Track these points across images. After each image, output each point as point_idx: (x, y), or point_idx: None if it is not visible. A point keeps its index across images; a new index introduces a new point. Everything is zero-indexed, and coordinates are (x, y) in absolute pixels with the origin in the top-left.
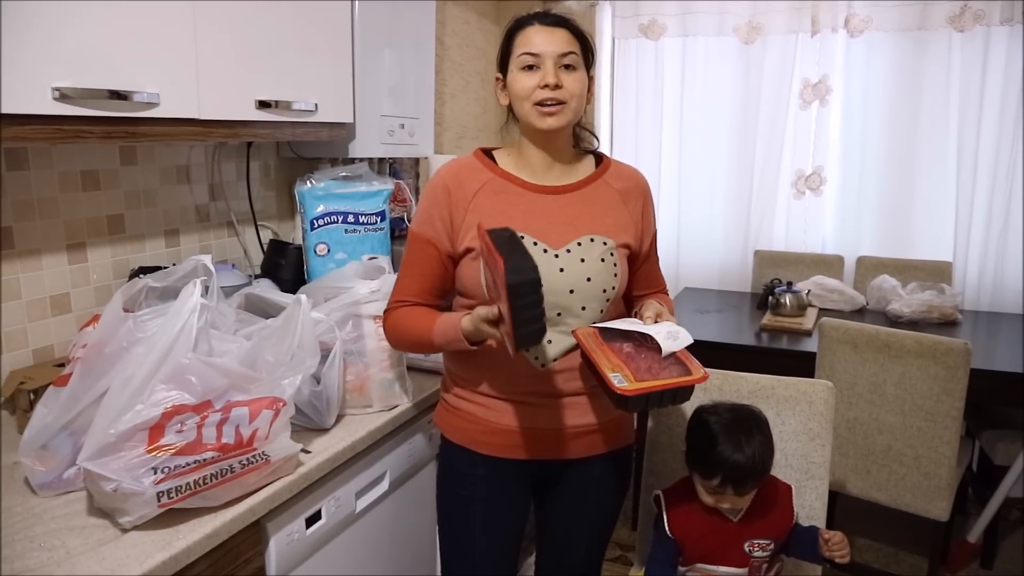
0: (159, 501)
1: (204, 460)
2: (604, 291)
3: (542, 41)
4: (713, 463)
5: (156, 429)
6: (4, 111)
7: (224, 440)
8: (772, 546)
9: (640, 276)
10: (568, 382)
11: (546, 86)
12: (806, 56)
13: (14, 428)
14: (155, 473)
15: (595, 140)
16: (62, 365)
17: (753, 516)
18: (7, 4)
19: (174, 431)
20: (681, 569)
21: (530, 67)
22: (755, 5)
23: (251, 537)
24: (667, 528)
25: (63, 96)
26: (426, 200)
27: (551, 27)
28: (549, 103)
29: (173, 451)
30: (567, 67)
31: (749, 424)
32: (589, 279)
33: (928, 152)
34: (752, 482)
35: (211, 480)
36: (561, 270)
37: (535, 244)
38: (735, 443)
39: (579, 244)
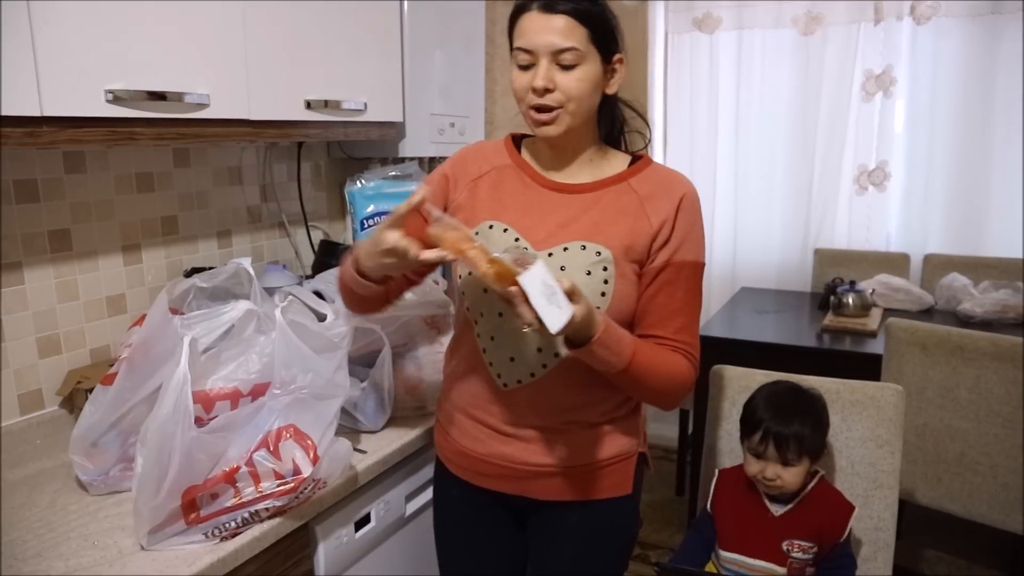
0: (216, 540)
1: (255, 511)
2: None
3: (536, 33)
4: (756, 420)
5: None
6: (60, 114)
7: (262, 486)
8: (815, 550)
9: (643, 304)
10: (529, 415)
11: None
12: (869, 46)
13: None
14: (208, 536)
15: (645, 135)
16: None
17: (795, 516)
18: (61, 6)
19: (206, 501)
20: (719, 553)
21: (525, 65)
22: None
23: (300, 540)
24: (708, 503)
25: (116, 98)
26: (434, 173)
27: (550, 14)
28: (543, 110)
29: (217, 512)
30: (565, 66)
31: (802, 397)
32: None
33: (1001, 144)
34: (794, 449)
35: (265, 513)
36: None
37: (516, 240)
38: (779, 407)
39: (565, 249)
